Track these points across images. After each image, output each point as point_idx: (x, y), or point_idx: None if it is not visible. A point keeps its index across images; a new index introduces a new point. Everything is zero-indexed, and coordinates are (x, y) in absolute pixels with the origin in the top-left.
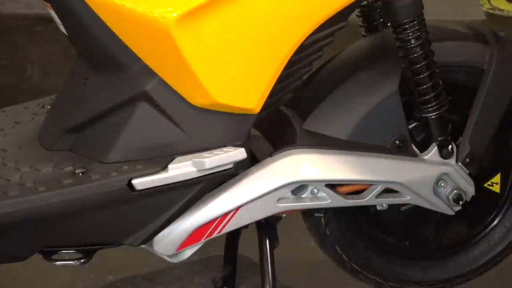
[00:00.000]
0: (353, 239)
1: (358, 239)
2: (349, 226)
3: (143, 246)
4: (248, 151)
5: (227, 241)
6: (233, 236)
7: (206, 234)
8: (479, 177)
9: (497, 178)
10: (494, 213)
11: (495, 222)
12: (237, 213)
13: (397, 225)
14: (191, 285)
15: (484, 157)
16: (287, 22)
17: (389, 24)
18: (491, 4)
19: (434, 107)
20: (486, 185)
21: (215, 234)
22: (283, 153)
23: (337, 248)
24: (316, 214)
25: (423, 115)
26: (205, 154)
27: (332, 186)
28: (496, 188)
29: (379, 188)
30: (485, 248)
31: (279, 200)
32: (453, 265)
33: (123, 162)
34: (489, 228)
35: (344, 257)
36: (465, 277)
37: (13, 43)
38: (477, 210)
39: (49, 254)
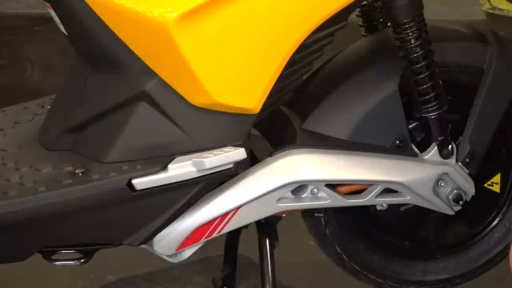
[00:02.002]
0: (353, 238)
1: (358, 239)
2: (349, 226)
3: (143, 246)
4: (248, 151)
5: (227, 241)
6: (233, 236)
7: (206, 234)
8: (479, 176)
9: (497, 178)
10: (494, 213)
11: (495, 222)
12: (237, 213)
13: (396, 225)
14: (191, 285)
15: (484, 157)
16: (287, 22)
17: (389, 24)
18: (491, 4)
19: (434, 107)
20: (486, 185)
21: (215, 234)
22: (283, 153)
23: (337, 248)
24: (316, 214)
25: (423, 115)
26: (205, 154)
27: (332, 186)
28: (496, 188)
29: (379, 188)
30: (485, 248)
31: (279, 200)
32: (453, 265)
33: (123, 162)
34: (489, 228)
35: (344, 256)
36: (465, 277)
37: (12, 43)
38: (477, 210)
39: (49, 254)
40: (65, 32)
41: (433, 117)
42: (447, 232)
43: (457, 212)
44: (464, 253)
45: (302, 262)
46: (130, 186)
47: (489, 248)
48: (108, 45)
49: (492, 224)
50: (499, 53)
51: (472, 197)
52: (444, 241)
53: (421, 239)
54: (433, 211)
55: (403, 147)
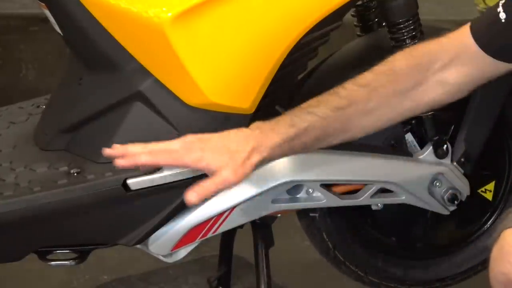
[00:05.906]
0: (341, 228)
1: (346, 230)
2: (339, 215)
3: (138, 246)
4: None
5: (222, 241)
6: (228, 236)
7: (201, 234)
8: (474, 181)
9: (491, 186)
10: (483, 221)
11: (482, 230)
12: (232, 213)
13: (385, 220)
14: (186, 285)
15: (482, 160)
16: (282, 22)
17: (384, 23)
18: (486, 4)
19: None
20: (479, 190)
21: (210, 234)
22: None
23: (324, 235)
24: (311, 214)
25: (418, 115)
26: None
27: (327, 186)
28: (489, 196)
29: (374, 188)
30: (469, 255)
31: (274, 200)
32: (435, 268)
33: None
34: (475, 235)
35: (329, 245)
36: (444, 282)
37: (7, 43)
38: (467, 215)
39: (44, 254)
40: (60, 32)
41: (428, 116)
42: (434, 234)
43: (447, 216)
44: (448, 257)
45: (297, 262)
46: (125, 186)
47: (473, 256)
48: (103, 45)
49: (479, 232)
50: None
51: (465, 201)
52: (430, 243)
53: (407, 238)
54: (423, 210)
55: (398, 147)
